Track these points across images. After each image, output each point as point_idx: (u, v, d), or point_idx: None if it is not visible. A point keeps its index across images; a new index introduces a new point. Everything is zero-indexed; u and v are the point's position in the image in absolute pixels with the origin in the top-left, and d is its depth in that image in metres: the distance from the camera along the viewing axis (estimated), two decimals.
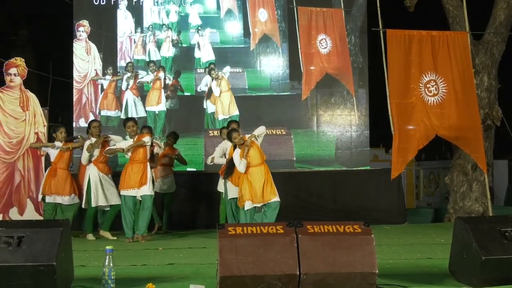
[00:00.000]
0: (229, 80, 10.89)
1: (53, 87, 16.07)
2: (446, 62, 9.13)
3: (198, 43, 11.06)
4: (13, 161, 8.42)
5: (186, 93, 10.94)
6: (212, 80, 10.78)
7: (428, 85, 9.02)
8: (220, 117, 10.75)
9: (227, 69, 10.87)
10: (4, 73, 8.46)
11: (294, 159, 10.78)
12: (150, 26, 10.95)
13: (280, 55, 11.13)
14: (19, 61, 8.53)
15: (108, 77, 10.67)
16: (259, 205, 7.53)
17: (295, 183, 10.31)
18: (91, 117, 10.29)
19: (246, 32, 11.15)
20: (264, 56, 11.14)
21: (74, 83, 10.55)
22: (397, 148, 8.89)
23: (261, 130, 7.77)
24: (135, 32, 10.92)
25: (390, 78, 8.98)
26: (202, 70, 11.00)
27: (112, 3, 10.89)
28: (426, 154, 14.95)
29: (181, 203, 9.85)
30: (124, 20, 10.88)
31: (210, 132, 10.65)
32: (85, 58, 10.52)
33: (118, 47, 10.85)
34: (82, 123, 10.31)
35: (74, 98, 10.55)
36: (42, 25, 18.24)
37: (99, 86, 10.60)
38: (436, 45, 9.13)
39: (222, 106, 10.75)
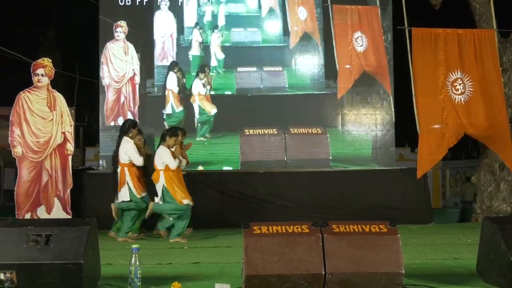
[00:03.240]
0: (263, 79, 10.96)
1: (79, 87, 16.27)
2: (472, 60, 9.04)
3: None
4: (40, 160, 8.51)
5: (226, 92, 11.00)
6: (202, 79, 10.79)
7: (455, 83, 8.94)
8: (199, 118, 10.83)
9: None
10: (32, 74, 8.55)
11: (330, 158, 10.72)
12: (198, 26, 11.06)
13: (319, 53, 11.06)
14: (47, 61, 8.63)
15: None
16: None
17: (320, 183, 10.27)
18: (129, 116, 10.45)
19: (286, 31, 11.12)
20: (302, 54, 11.09)
21: (112, 83, 10.73)
22: (423, 147, 8.82)
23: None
24: (189, 31, 11.08)
25: (416, 77, 8.91)
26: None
27: (145, 3, 10.96)
28: (453, 153, 14.76)
29: (210, 201, 9.92)
30: (165, 20, 11.04)
31: (246, 130, 10.66)
32: (123, 58, 10.69)
33: (160, 47, 10.99)
34: (121, 122, 10.51)
35: (113, 98, 10.71)
36: (68, 26, 18.45)
37: (137, 86, 10.75)
38: (463, 43, 9.04)
39: (204, 107, 10.81)
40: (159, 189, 8.05)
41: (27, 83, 8.66)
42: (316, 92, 11.05)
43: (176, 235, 7.93)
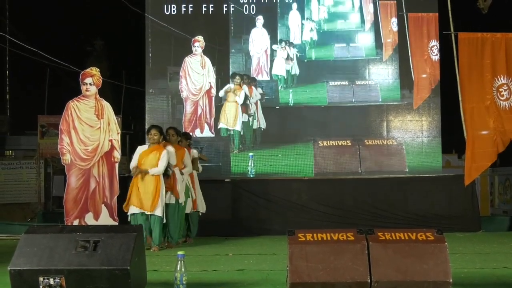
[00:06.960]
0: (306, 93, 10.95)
1: (125, 96, 16.56)
2: None
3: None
4: (88, 167, 8.67)
5: (317, 104, 11.02)
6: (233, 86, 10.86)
7: (500, 89, 8.80)
8: (221, 125, 10.80)
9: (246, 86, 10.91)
10: (80, 83, 8.73)
11: (407, 170, 10.49)
12: (283, 42, 11.20)
13: (410, 64, 10.80)
14: (94, 70, 8.79)
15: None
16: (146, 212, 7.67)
17: (365, 190, 10.20)
18: (206, 128, 10.71)
19: (379, 43, 11.00)
20: (394, 66, 10.94)
21: (190, 95, 10.97)
22: (470, 153, 8.68)
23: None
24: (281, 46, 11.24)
25: (462, 82, 8.79)
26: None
27: (214, 15, 11.10)
28: (501, 159, 14.45)
29: (255, 208, 9.95)
30: (260, 37, 11.25)
31: (320, 142, 10.59)
32: (200, 72, 10.96)
33: (256, 62, 11.21)
34: (198, 133, 10.78)
35: (191, 110, 10.95)
36: (115, 36, 18.83)
37: (213, 98, 10.97)
38: (511, 48, 8.87)
39: (225, 116, 10.81)
40: None
41: (76, 92, 8.84)
42: (391, 103, 10.84)
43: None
